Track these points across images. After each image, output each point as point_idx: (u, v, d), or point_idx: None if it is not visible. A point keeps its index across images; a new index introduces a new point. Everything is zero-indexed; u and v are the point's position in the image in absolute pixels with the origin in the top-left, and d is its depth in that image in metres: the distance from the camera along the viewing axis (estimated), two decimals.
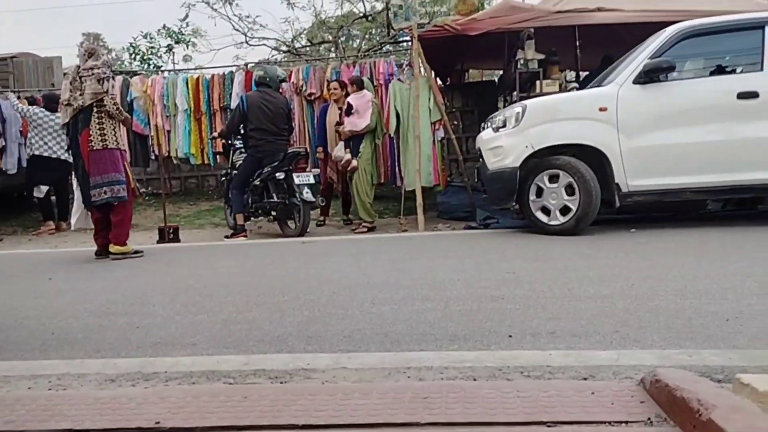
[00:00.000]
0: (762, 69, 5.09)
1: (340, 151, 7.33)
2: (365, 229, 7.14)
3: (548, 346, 2.23)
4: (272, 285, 3.84)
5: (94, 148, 5.36)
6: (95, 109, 5.36)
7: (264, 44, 12.24)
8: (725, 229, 5.21)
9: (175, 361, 2.27)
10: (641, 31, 5.80)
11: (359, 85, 7.48)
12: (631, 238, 5.03)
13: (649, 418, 1.48)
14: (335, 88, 7.76)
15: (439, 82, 8.97)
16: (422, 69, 7.25)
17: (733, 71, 5.38)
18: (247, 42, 11.95)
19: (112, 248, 5.45)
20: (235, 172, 7.22)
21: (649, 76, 5.16)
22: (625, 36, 6.69)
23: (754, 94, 5.02)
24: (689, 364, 1.92)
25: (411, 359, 2.14)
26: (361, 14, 11.25)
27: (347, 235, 7.09)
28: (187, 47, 12.46)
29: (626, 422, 1.47)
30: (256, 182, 6.92)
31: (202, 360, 2.29)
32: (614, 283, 3.32)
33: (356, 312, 2.91)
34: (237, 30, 11.95)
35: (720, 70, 5.40)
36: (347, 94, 7.48)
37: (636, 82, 5.20)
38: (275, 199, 6.82)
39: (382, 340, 2.42)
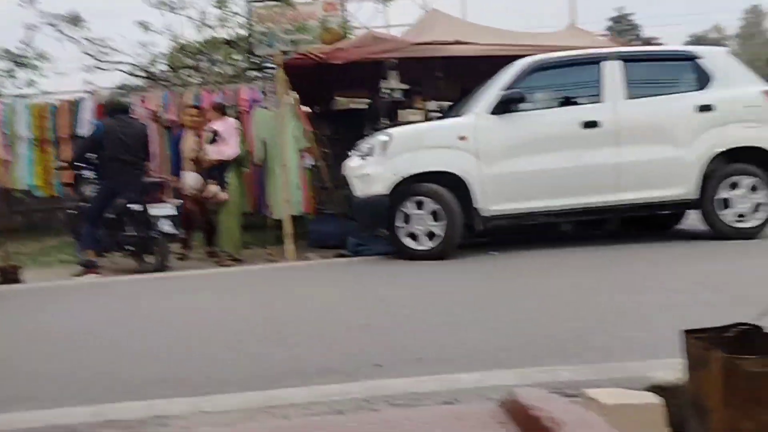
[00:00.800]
0: (601, 101, 5.57)
1: (194, 181, 6.97)
2: (231, 262, 6.88)
3: (415, 373, 2.23)
4: (125, 326, 3.57)
5: None
6: None
7: (118, 69, 11.57)
8: (578, 249, 5.58)
9: (11, 418, 2.04)
10: (496, 63, 6.14)
11: (222, 111, 7.25)
12: (492, 261, 5.26)
13: None
14: (193, 115, 7.42)
15: (308, 109, 8.95)
16: (287, 96, 7.19)
17: (578, 102, 5.85)
18: (98, 66, 11.22)
19: None
20: (86, 204, 6.69)
21: (503, 106, 5.46)
22: (482, 68, 7.06)
23: (595, 124, 5.47)
24: (545, 381, 2.00)
25: (275, 397, 2.05)
26: (224, 40, 10.99)
27: (212, 268, 6.79)
28: (32, 71, 11.51)
29: None
30: (110, 214, 6.45)
31: (44, 414, 2.06)
32: (477, 305, 3.42)
33: (218, 351, 2.77)
34: (86, 53, 11.18)
35: (567, 101, 5.84)
36: (206, 121, 7.19)
37: (492, 112, 5.48)
38: (130, 232, 6.39)
39: (246, 379, 2.30)
